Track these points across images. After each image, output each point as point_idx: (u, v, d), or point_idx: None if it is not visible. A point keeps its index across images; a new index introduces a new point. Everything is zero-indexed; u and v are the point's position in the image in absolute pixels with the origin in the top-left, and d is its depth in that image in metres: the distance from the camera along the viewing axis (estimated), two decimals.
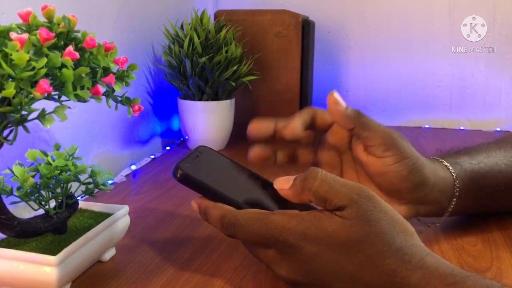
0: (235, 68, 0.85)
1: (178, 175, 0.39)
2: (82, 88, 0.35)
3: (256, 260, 0.47)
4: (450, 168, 0.48)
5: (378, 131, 0.45)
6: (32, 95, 0.32)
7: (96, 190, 0.45)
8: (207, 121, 0.87)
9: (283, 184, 0.39)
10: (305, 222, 0.35)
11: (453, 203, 0.48)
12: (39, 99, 0.33)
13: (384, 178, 0.45)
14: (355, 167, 0.49)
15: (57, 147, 0.44)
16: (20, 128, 0.35)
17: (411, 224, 0.36)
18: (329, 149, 0.49)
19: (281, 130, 0.46)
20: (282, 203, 0.39)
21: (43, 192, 0.42)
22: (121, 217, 0.48)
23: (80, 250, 0.42)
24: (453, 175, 0.48)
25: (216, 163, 0.43)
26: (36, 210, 0.44)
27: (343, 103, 0.45)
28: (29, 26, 0.36)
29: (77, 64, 0.36)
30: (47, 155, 0.43)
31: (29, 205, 0.43)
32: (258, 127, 0.47)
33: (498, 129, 1.11)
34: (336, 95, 0.45)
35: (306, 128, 0.47)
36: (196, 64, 0.83)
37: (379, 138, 0.44)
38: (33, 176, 0.41)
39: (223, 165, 0.43)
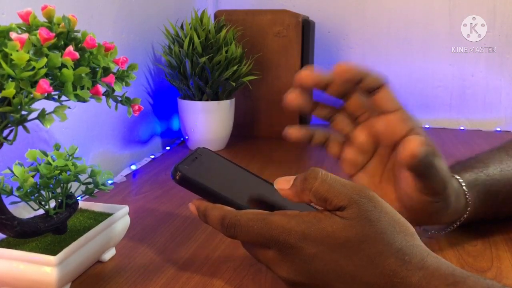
0: (235, 68, 0.85)
1: (177, 177, 0.39)
2: (82, 88, 0.35)
3: (256, 260, 0.47)
4: (467, 195, 0.47)
5: (440, 180, 0.41)
6: (32, 95, 0.32)
7: (96, 190, 0.45)
8: (207, 121, 0.87)
9: (283, 184, 0.39)
10: (305, 223, 0.35)
11: (461, 220, 0.48)
12: (39, 99, 0.33)
13: (408, 200, 0.43)
14: (381, 175, 0.46)
15: (57, 147, 0.44)
16: (20, 128, 0.35)
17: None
18: (357, 150, 0.46)
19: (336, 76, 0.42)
20: (282, 203, 0.39)
21: (43, 192, 0.42)
22: (121, 217, 0.48)
23: (80, 250, 0.42)
24: (468, 201, 0.47)
25: (215, 164, 0.42)
26: (36, 210, 0.44)
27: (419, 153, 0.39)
28: (29, 26, 0.36)
29: (77, 64, 0.36)
30: (47, 155, 0.43)
31: (29, 205, 0.43)
32: (311, 74, 0.42)
33: (498, 129, 1.11)
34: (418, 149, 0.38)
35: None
36: (196, 64, 0.83)
37: (435, 187, 0.42)
38: (33, 176, 0.41)
39: (222, 167, 0.43)
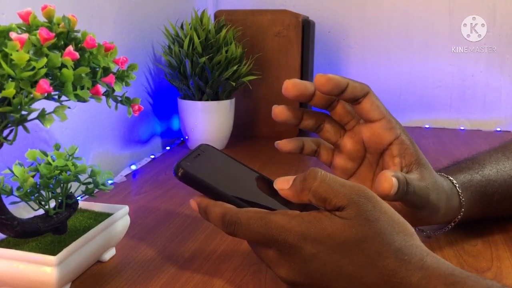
0: (235, 68, 0.85)
1: (179, 174, 0.39)
2: (82, 88, 0.35)
3: (256, 260, 0.47)
4: (461, 196, 0.47)
5: (419, 197, 0.42)
6: (32, 95, 0.32)
7: (96, 190, 0.45)
8: (207, 121, 0.87)
9: (283, 184, 0.39)
10: (305, 223, 0.35)
11: (459, 217, 0.48)
12: (39, 99, 0.33)
13: (398, 211, 0.42)
14: (371, 180, 0.47)
15: (57, 147, 0.44)
16: (20, 128, 0.35)
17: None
18: (346, 157, 0.47)
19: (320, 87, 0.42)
20: (284, 202, 0.39)
21: (43, 192, 0.42)
22: (121, 217, 0.48)
23: (80, 250, 0.42)
24: (462, 202, 0.47)
25: (218, 161, 0.42)
26: (36, 210, 0.44)
27: (395, 188, 0.39)
28: (29, 26, 0.36)
29: (77, 64, 0.36)
30: (47, 155, 0.43)
31: (29, 205, 0.43)
32: (296, 84, 0.43)
33: (498, 129, 1.11)
34: (394, 185, 0.39)
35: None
36: (196, 64, 0.83)
37: (416, 205, 0.42)
38: (33, 176, 0.41)
39: (225, 164, 0.43)
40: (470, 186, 0.48)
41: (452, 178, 0.48)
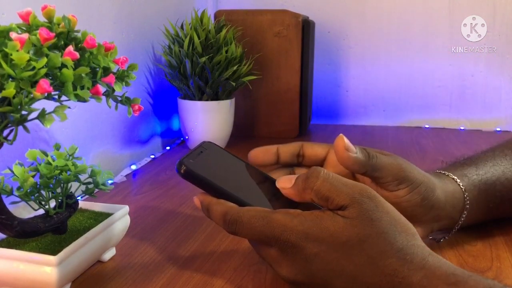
0: (235, 68, 0.85)
1: (182, 171, 0.39)
2: (82, 88, 0.35)
3: (256, 259, 0.47)
4: (458, 181, 0.47)
5: (389, 169, 0.42)
6: (32, 95, 0.32)
7: (96, 190, 0.45)
8: (207, 121, 0.87)
9: (285, 183, 0.39)
10: (307, 222, 0.35)
11: (464, 215, 0.47)
12: (39, 99, 0.33)
13: (397, 207, 0.42)
14: None
15: (57, 147, 0.44)
16: (20, 128, 0.35)
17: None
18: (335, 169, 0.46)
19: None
20: (286, 201, 0.39)
21: (43, 192, 0.42)
22: (121, 217, 0.48)
23: (80, 250, 0.42)
24: (461, 188, 0.47)
25: (220, 159, 0.42)
26: (36, 210, 0.44)
27: (353, 148, 0.41)
28: (29, 26, 0.36)
29: (77, 64, 0.36)
30: (47, 155, 0.43)
31: (29, 205, 0.43)
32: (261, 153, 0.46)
33: (498, 129, 1.11)
34: (346, 140, 0.41)
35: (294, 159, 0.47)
36: (196, 64, 0.83)
37: (390, 176, 0.42)
38: (33, 176, 0.41)
39: (227, 161, 0.43)
40: (464, 173, 0.48)
41: (455, 177, 0.48)
